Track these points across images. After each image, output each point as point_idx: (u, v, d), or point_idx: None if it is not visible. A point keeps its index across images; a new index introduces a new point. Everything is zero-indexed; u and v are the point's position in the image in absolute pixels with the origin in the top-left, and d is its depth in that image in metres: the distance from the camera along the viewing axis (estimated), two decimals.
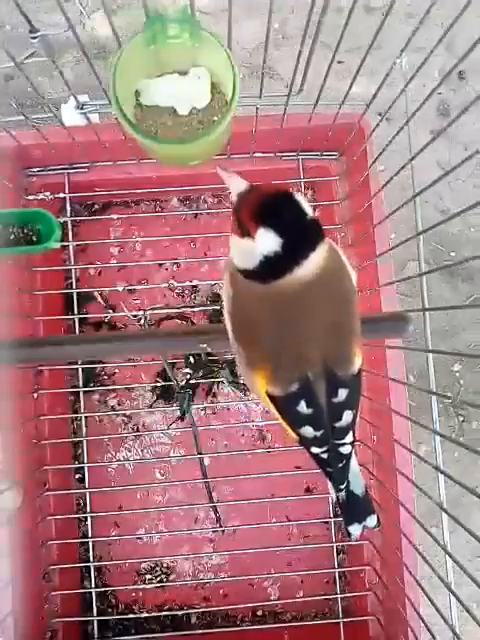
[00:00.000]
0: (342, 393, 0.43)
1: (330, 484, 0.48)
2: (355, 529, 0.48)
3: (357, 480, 0.48)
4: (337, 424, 0.44)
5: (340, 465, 0.46)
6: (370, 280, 0.74)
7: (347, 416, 0.44)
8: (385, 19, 0.47)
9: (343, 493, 0.47)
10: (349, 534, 0.48)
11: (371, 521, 0.48)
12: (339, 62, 1.19)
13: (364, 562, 0.80)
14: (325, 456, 0.45)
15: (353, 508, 0.48)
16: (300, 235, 0.38)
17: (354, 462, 0.47)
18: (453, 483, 0.52)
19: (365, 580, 0.79)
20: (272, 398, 0.45)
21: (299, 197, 0.38)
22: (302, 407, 0.43)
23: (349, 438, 0.45)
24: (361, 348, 0.45)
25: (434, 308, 0.57)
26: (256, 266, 0.39)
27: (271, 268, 0.39)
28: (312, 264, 0.39)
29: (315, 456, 0.46)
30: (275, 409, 0.46)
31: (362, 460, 0.81)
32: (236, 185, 0.40)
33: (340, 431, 0.44)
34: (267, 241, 0.37)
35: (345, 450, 0.45)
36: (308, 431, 0.44)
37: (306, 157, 0.83)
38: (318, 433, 0.44)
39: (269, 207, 0.38)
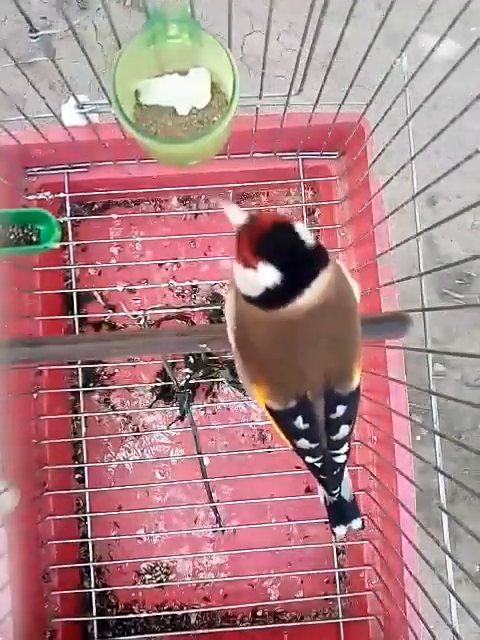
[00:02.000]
0: (340, 409, 0.45)
1: (320, 488, 0.51)
2: (340, 530, 0.51)
3: (347, 485, 0.51)
4: (334, 437, 0.46)
5: (334, 473, 0.48)
6: (370, 280, 0.74)
7: (344, 430, 0.46)
8: (384, 19, 0.47)
9: (334, 497, 0.50)
10: (334, 534, 0.51)
11: (356, 524, 0.51)
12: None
13: (364, 562, 0.80)
14: (319, 465, 0.48)
15: (341, 511, 0.51)
16: (300, 266, 0.38)
17: (345, 472, 0.50)
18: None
19: (365, 580, 0.79)
20: (270, 410, 0.47)
21: (299, 227, 0.39)
22: (299, 422, 0.45)
23: (345, 448, 0.47)
24: (360, 364, 0.46)
25: (434, 308, 0.57)
26: (258, 295, 0.39)
27: (273, 298, 0.39)
28: (314, 291, 0.39)
29: (309, 465, 0.48)
30: (273, 420, 0.47)
31: (362, 460, 0.81)
32: (236, 217, 0.40)
33: (336, 443, 0.46)
34: (268, 274, 0.38)
35: (340, 459, 0.48)
36: (304, 443, 0.46)
37: (306, 157, 0.82)
38: (313, 445, 0.46)
39: (269, 240, 0.38)
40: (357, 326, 0.46)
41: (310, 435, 0.46)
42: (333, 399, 0.44)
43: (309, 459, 0.48)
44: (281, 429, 0.47)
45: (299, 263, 0.38)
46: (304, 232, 0.39)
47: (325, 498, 0.51)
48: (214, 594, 0.86)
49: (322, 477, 0.49)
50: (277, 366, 0.44)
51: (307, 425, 0.45)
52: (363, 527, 0.52)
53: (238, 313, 0.45)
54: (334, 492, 0.50)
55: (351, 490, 0.52)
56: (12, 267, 0.77)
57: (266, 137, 0.75)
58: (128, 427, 0.89)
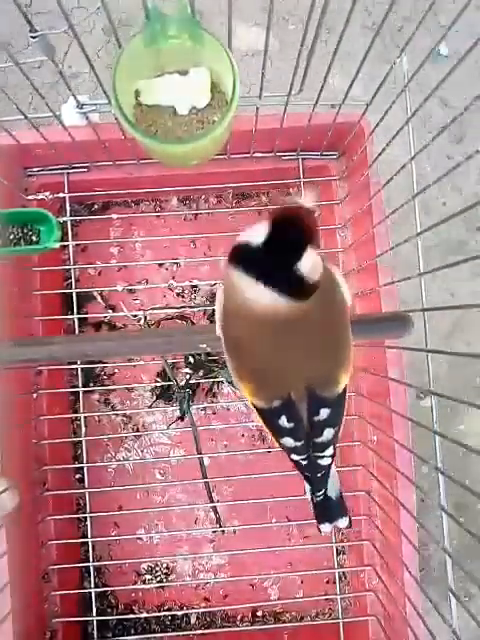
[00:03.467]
0: (324, 413, 0.46)
1: (307, 486, 0.51)
2: (326, 527, 0.52)
3: (333, 484, 0.51)
4: (317, 439, 0.47)
5: (319, 475, 0.49)
6: (370, 280, 0.74)
7: (328, 433, 0.47)
8: (384, 20, 0.47)
9: (319, 497, 0.51)
10: (320, 531, 0.53)
11: (343, 522, 0.53)
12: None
13: (364, 562, 0.80)
14: (304, 463, 0.48)
15: (326, 509, 0.52)
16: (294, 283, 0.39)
17: (333, 468, 0.50)
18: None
19: (365, 580, 0.79)
20: (256, 407, 0.47)
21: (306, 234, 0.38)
22: (283, 421, 0.46)
23: (329, 451, 0.48)
24: (349, 370, 0.47)
25: (434, 308, 0.57)
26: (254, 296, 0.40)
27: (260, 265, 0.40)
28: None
29: (295, 462, 0.49)
30: (259, 417, 0.48)
31: (362, 460, 0.81)
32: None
33: (320, 446, 0.47)
34: (265, 293, 0.39)
35: (324, 462, 0.48)
36: (288, 442, 0.47)
37: (306, 157, 0.82)
38: (298, 444, 0.47)
39: (268, 265, 0.39)
40: (345, 333, 0.46)
41: (294, 434, 0.47)
42: (316, 402, 0.45)
43: (294, 456, 0.48)
44: (267, 426, 0.48)
45: (293, 280, 0.38)
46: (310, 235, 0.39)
47: (311, 497, 0.52)
48: (214, 594, 0.86)
49: (307, 475, 0.50)
50: (261, 365, 0.45)
51: (291, 424, 0.46)
52: (350, 526, 0.53)
53: (227, 311, 0.46)
54: (319, 493, 0.51)
55: (338, 488, 0.52)
56: (12, 267, 0.77)
57: (266, 137, 0.75)
58: (128, 427, 0.89)
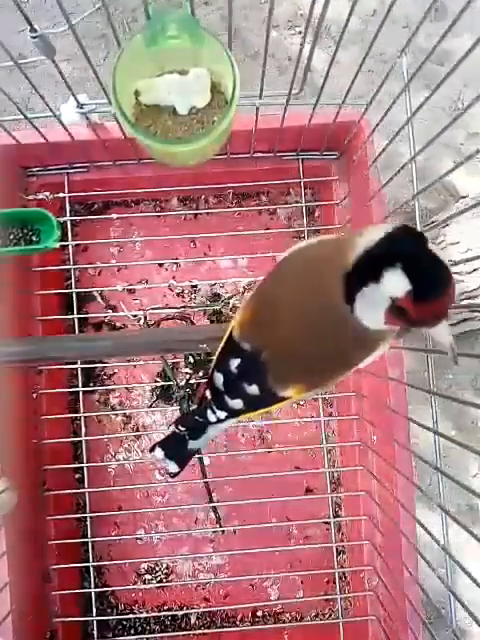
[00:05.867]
0: (253, 389, 0.47)
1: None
2: (159, 453, 0.54)
3: (202, 441, 0.53)
4: (227, 398, 0.49)
5: (201, 417, 0.51)
6: None
7: (238, 404, 0.48)
8: (384, 20, 0.47)
9: (181, 431, 0.52)
10: (152, 450, 0.54)
11: (172, 467, 0.54)
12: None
13: (364, 562, 0.80)
14: (212, 392, 0.50)
15: (175, 447, 0.54)
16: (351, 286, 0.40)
17: (213, 432, 0.52)
18: None
19: (365, 580, 0.79)
20: (230, 334, 0.49)
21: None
22: (233, 364, 0.48)
23: (221, 416, 0.50)
24: (302, 394, 0.48)
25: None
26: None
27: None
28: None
29: (203, 397, 0.51)
30: (223, 341, 0.50)
31: (362, 461, 0.81)
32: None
33: (223, 405, 0.49)
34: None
35: (211, 418, 0.50)
36: (219, 379, 0.49)
37: (306, 157, 0.82)
38: (222, 388, 0.49)
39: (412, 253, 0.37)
40: (334, 373, 0.47)
41: (228, 380, 0.48)
42: (260, 378, 0.46)
43: (207, 394, 0.50)
44: (219, 354, 0.50)
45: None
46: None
47: (177, 428, 0.53)
48: (214, 594, 0.86)
49: (209, 396, 0.51)
50: (272, 305, 0.46)
51: (236, 371, 0.47)
52: (172, 475, 0.55)
53: (306, 252, 0.46)
54: (184, 421, 0.53)
55: (197, 450, 0.54)
56: (12, 267, 0.77)
57: (266, 137, 0.75)
58: (128, 427, 0.89)
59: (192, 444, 0.53)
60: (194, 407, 0.54)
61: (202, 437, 0.52)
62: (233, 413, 0.50)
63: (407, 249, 0.37)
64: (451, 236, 1.04)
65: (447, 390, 1.17)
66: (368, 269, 0.38)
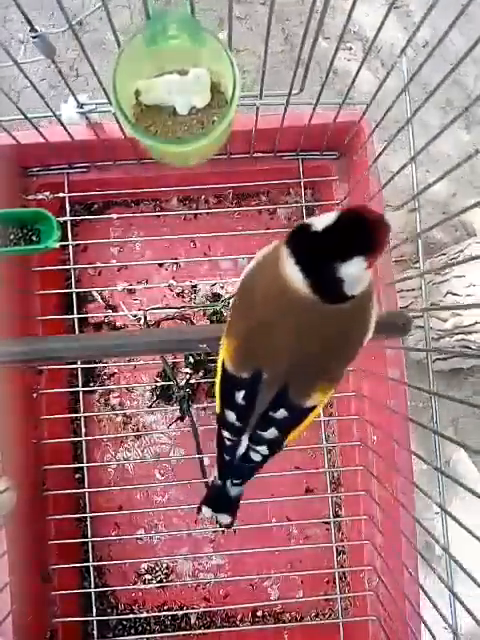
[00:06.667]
0: (281, 413, 0.45)
1: (216, 471, 0.50)
2: (207, 512, 0.52)
3: (240, 489, 0.51)
4: (260, 432, 0.46)
5: (239, 463, 0.48)
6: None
7: (272, 433, 0.46)
8: (384, 19, 0.47)
9: (225, 484, 0.50)
10: (200, 510, 0.52)
11: (224, 519, 0.52)
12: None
13: (364, 562, 0.80)
14: (229, 444, 0.48)
15: (219, 498, 0.52)
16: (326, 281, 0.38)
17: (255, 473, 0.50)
18: None
19: (365, 580, 0.79)
20: (223, 371, 0.47)
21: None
22: (239, 396, 0.45)
23: (264, 450, 0.47)
24: (328, 393, 0.46)
25: (434, 308, 0.57)
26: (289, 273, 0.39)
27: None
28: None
29: (221, 438, 0.48)
30: (219, 380, 0.47)
31: (362, 460, 0.81)
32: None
33: (258, 439, 0.47)
34: (298, 277, 0.39)
35: (256, 457, 0.48)
36: (231, 416, 0.47)
37: (306, 157, 0.82)
38: (238, 424, 0.46)
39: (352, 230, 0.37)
40: (344, 359, 0.46)
41: (240, 413, 0.46)
42: (282, 400, 0.45)
43: (226, 433, 0.48)
44: (220, 392, 0.48)
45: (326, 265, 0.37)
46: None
47: (213, 479, 0.52)
48: (214, 594, 0.86)
49: (225, 458, 0.49)
50: (257, 331, 0.44)
51: (244, 403, 0.45)
52: (229, 526, 0.53)
53: (256, 270, 0.45)
54: (228, 481, 0.50)
55: (242, 495, 0.52)
56: (12, 267, 0.77)
57: (266, 137, 0.75)
58: (128, 427, 0.89)
59: (235, 491, 0.51)
60: (212, 478, 0.52)
61: (248, 482, 0.51)
62: (271, 443, 0.47)
63: (314, 247, 0.37)
64: (458, 269, 1.04)
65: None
66: (326, 280, 0.38)
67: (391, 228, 0.37)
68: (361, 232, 0.36)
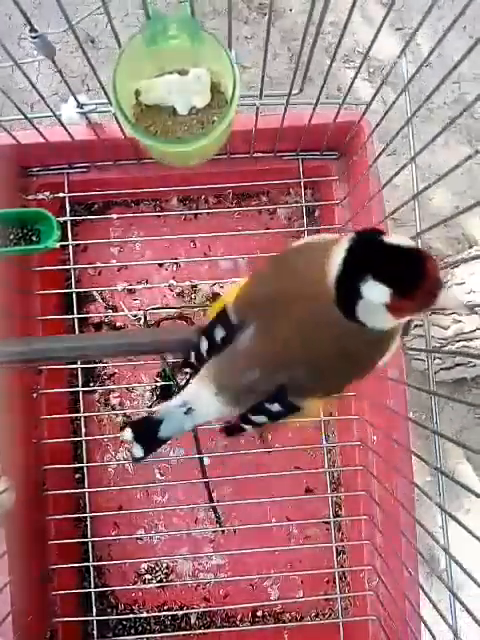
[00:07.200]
0: (276, 407, 0.48)
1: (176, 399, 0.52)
2: (128, 434, 0.52)
3: (177, 432, 0.53)
4: (251, 416, 0.49)
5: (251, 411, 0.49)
6: None
7: (261, 419, 0.50)
8: (384, 20, 0.47)
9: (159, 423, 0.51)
10: (123, 428, 0.53)
11: (137, 451, 0.52)
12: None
13: (364, 562, 0.80)
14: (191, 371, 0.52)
15: (148, 432, 0.52)
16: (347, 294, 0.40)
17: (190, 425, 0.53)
18: None
19: (365, 580, 0.79)
20: (223, 308, 0.49)
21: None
22: (218, 334, 0.48)
23: (275, 408, 0.48)
24: (320, 406, 0.48)
25: (435, 309, 0.57)
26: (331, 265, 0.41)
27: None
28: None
29: (196, 355, 0.52)
30: (213, 310, 0.50)
31: (362, 461, 0.81)
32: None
33: (247, 421, 0.50)
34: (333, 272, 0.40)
35: (259, 419, 0.50)
36: (204, 345, 0.50)
37: (306, 157, 0.82)
38: (206, 356, 0.50)
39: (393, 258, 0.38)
40: (347, 377, 0.47)
41: (212, 348, 0.49)
42: (281, 398, 0.47)
43: (192, 359, 0.52)
44: (209, 321, 0.50)
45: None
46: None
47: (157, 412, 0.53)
48: (214, 594, 0.86)
49: (191, 362, 0.52)
50: (272, 294, 0.45)
51: (220, 342, 0.48)
52: (139, 460, 0.53)
53: (302, 247, 0.47)
54: (174, 396, 0.52)
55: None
56: (12, 267, 0.77)
57: (266, 137, 0.75)
58: None
59: (163, 432, 0.52)
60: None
61: (177, 429, 0.52)
62: (256, 424, 0.50)
63: (367, 256, 0.38)
64: (459, 276, 1.04)
65: (428, 439, 1.16)
66: (349, 289, 0.39)
67: (438, 296, 0.37)
68: (407, 267, 0.36)
